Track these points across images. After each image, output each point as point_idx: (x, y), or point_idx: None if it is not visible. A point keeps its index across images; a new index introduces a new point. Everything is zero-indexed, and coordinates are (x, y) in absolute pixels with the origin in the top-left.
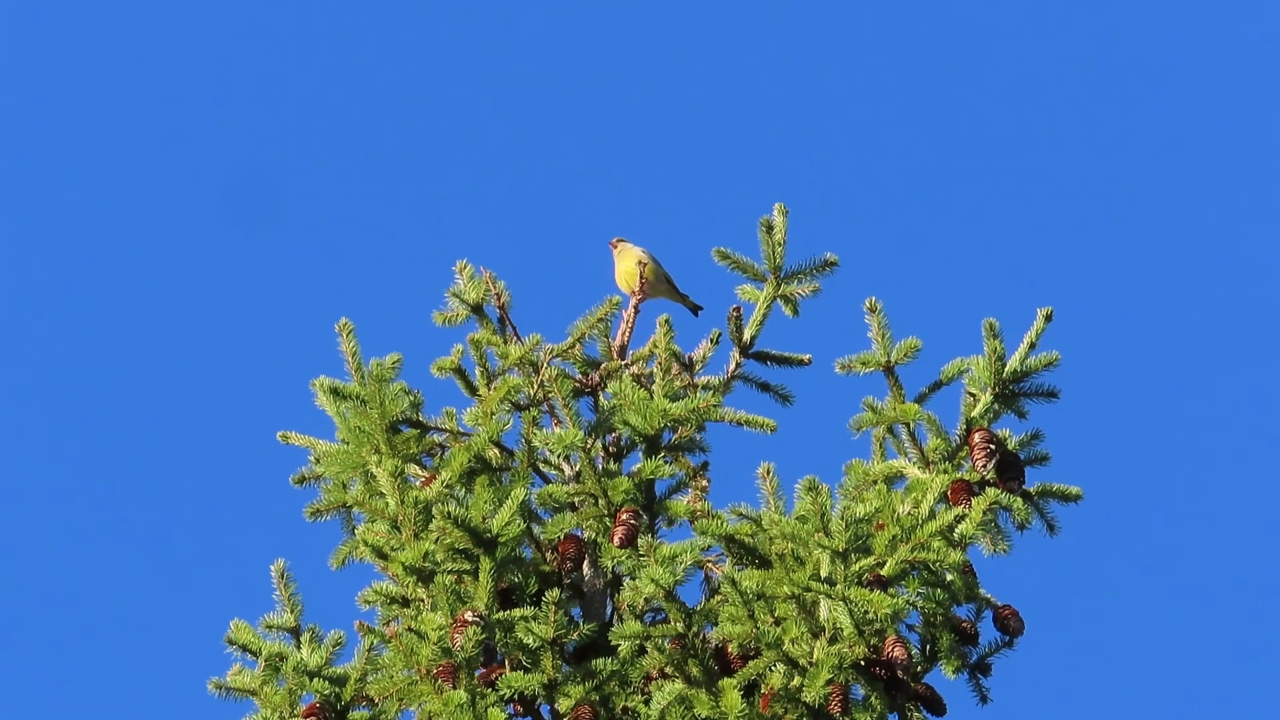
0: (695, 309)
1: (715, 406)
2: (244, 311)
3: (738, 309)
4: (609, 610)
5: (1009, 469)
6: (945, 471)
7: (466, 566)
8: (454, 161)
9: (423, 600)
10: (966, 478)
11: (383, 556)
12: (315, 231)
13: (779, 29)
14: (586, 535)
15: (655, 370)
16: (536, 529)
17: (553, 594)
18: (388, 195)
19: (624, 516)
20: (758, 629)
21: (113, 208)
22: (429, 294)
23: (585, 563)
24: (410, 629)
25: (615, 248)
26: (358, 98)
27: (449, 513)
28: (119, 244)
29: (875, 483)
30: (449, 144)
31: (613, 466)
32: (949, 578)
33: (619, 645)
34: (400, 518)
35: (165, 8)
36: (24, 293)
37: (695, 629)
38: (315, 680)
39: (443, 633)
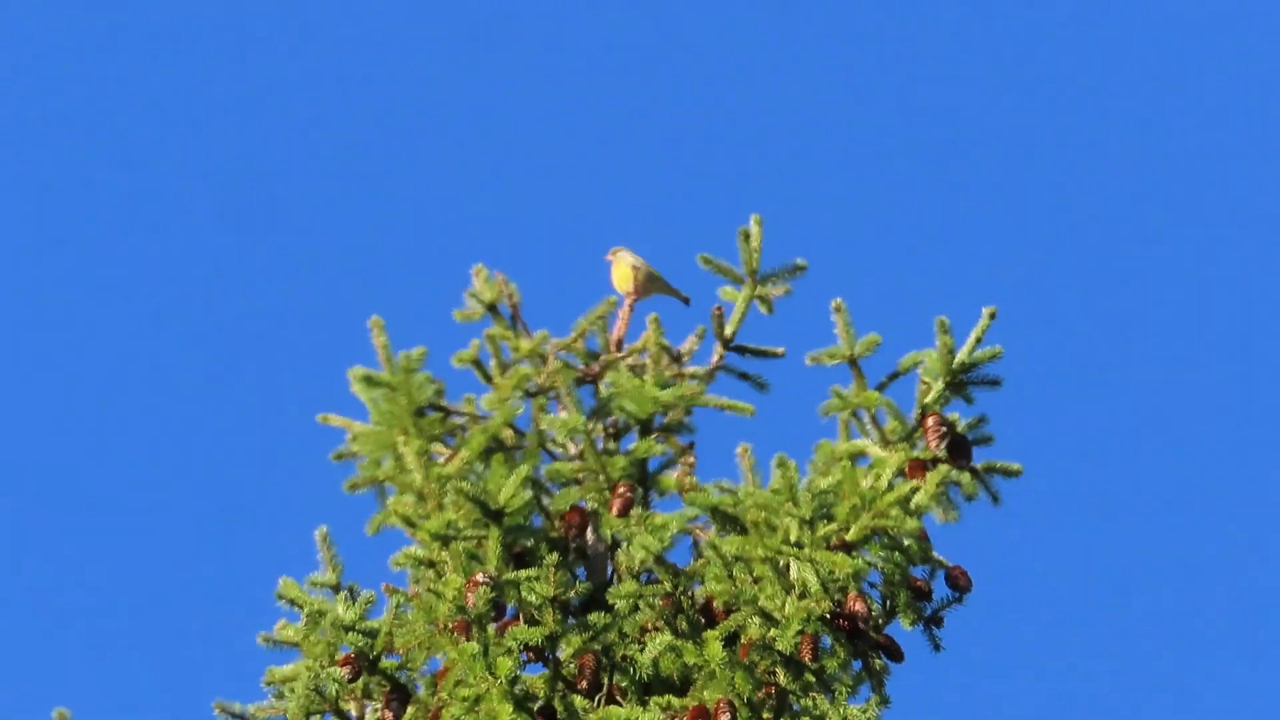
0: (685, 299)
1: (700, 393)
2: (278, 305)
3: (719, 308)
4: (609, 571)
5: (958, 448)
6: (902, 450)
7: (483, 533)
8: (459, 167)
9: (445, 563)
10: (921, 456)
11: (411, 524)
12: (325, 231)
13: (752, 39)
14: (589, 506)
15: (648, 362)
16: (546, 501)
17: (551, 558)
18: (390, 197)
19: (621, 490)
20: (737, 587)
21: (113, 207)
22: (435, 292)
23: (588, 530)
24: (430, 589)
25: (612, 256)
26: (360, 97)
27: (461, 489)
28: (120, 244)
29: (841, 460)
30: (454, 150)
31: (611, 446)
32: (906, 542)
33: (617, 602)
34: (426, 491)
35: (166, 8)
36: (23, 293)
37: (683, 587)
38: (350, 634)
39: (459, 592)
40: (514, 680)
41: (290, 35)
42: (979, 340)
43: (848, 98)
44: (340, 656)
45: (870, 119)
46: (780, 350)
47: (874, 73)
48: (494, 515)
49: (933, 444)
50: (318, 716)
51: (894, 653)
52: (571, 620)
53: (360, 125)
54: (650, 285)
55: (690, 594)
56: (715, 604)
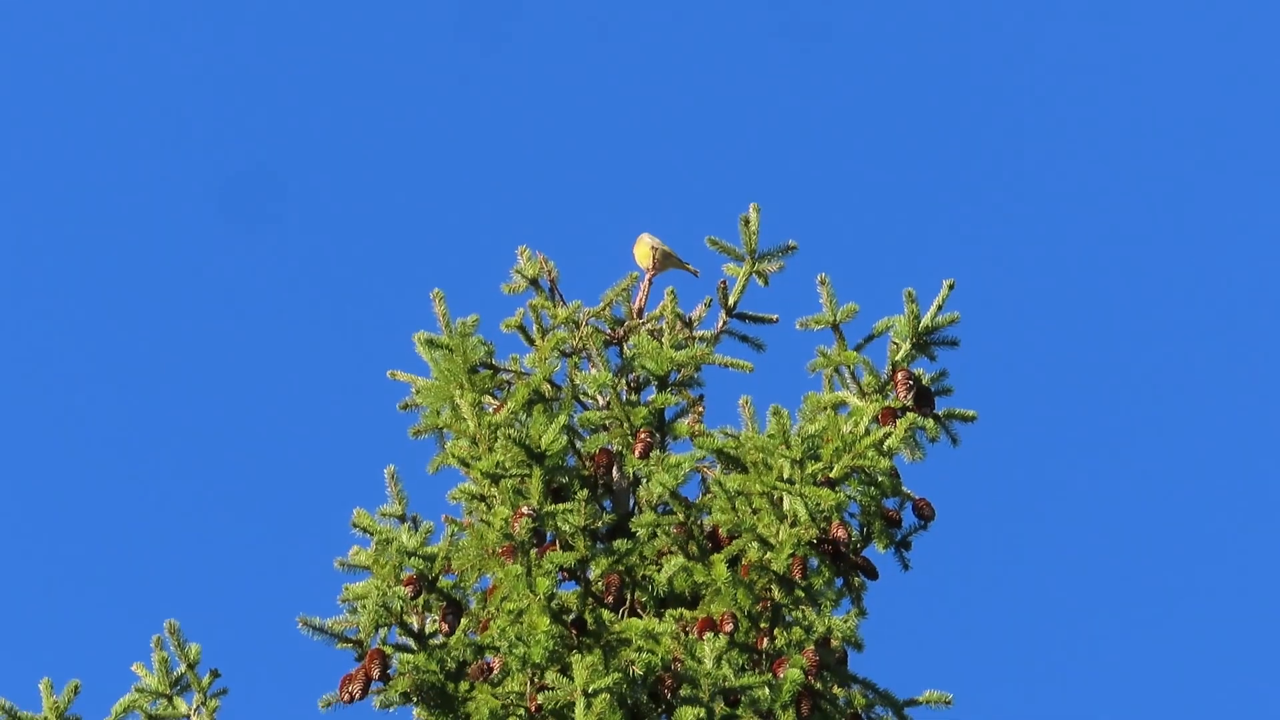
0: (695, 272)
1: (708, 354)
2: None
3: (724, 282)
4: (631, 503)
5: (923, 398)
6: (876, 401)
7: (526, 472)
8: (510, 164)
9: (495, 498)
10: (892, 405)
11: (465, 465)
12: (397, 219)
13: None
14: (615, 449)
15: (664, 327)
16: (578, 444)
17: (583, 493)
18: (451, 191)
19: (642, 435)
20: (739, 517)
21: (114, 208)
22: (486, 269)
23: (614, 469)
24: (481, 520)
25: (637, 242)
26: (366, 97)
27: (509, 435)
28: (121, 244)
29: (825, 409)
30: (506, 149)
31: (633, 398)
32: (880, 479)
33: (638, 530)
34: (478, 436)
35: (166, 8)
36: (24, 293)
37: (693, 518)
38: (413, 558)
39: (505, 522)
40: (551, 597)
41: (288, 32)
42: (940, 307)
43: (837, 96)
44: (405, 577)
45: (851, 115)
46: (774, 317)
47: (862, 68)
48: (536, 457)
49: (902, 395)
50: (385, 628)
51: (870, 572)
52: (600, 545)
53: (426, 128)
54: (666, 263)
55: (700, 523)
56: (720, 532)
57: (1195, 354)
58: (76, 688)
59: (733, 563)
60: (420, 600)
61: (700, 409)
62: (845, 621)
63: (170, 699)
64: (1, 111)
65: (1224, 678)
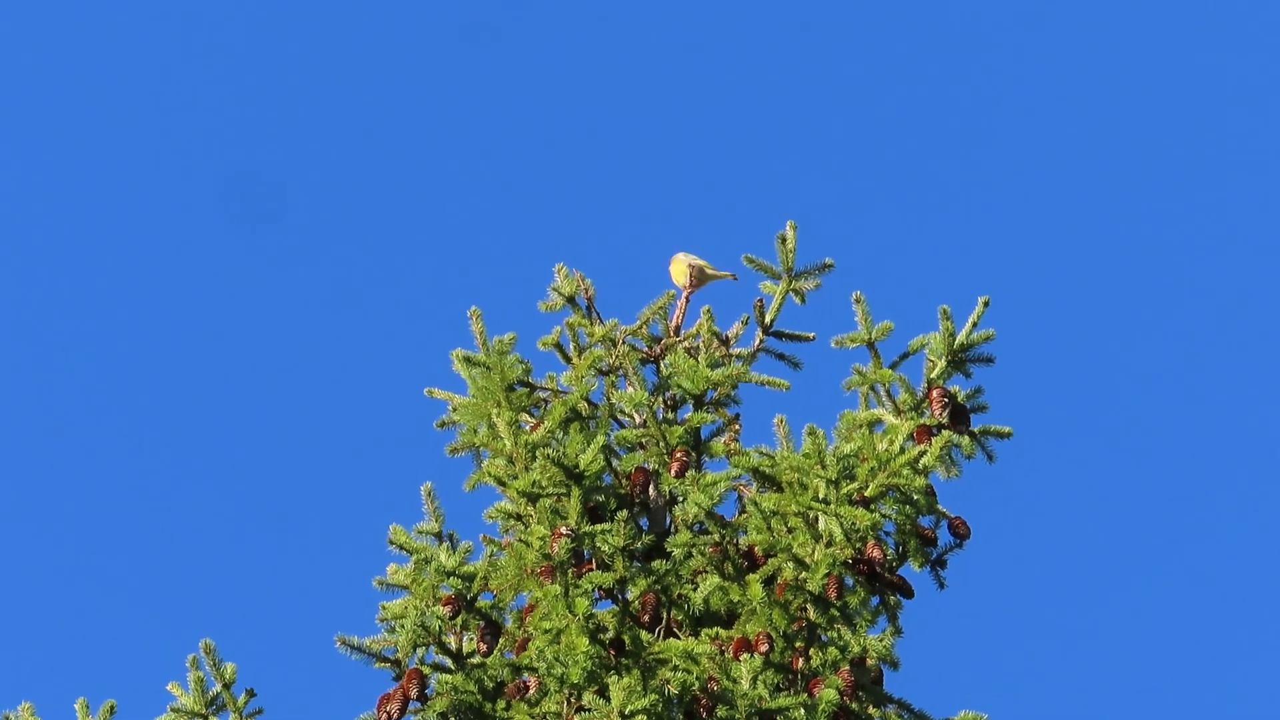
0: (733, 277)
1: (744, 372)
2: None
3: (760, 300)
4: (668, 522)
5: (958, 416)
6: (912, 418)
7: (564, 491)
8: (545, 184)
9: (531, 517)
10: (927, 422)
11: (502, 483)
12: (438, 238)
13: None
14: (651, 467)
15: (701, 345)
16: (615, 463)
17: (622, 514)
18: (490, 210)
19: (678, 454)
20: (774, 537)
21: (115, 208)
22: (523, 286)
23: (650, 487)
24: (520, 539)
25: (673, 261)
26: (402, 116)
27: (548, 454)
28: (123, 243)
29: (861, 427)
30: (544, 169)
31: (670, 416)
32: (915, 497)
33: (674, 550)
34: (515, 455)
35: (165, 8)
36: (26, 293)
37: (729, 537)
38: (451, 578)
39: (544, 542)
40: (589, 616)
41: (292, 33)
42: (975, 325)
43: (874, 114)
44: (443, 596)
45: (889, 133)
46: (811, 335)
47: (901, 87)
48: (574, 476)
49: (937, 412)
50: (423, 648)
51: (906, 591)
52: (637, 565)
53: (466, 148)
54: (703, 278)
55: (735, 542)
56: (756, 551)
57: (1233, 369)
58: (112, 708)
59: (768, 582)
60: (459, 620)
61: (736, 427)
62: (881, 641)
63: (206, 718)
64: (2, 112)
65: (1273, 694)
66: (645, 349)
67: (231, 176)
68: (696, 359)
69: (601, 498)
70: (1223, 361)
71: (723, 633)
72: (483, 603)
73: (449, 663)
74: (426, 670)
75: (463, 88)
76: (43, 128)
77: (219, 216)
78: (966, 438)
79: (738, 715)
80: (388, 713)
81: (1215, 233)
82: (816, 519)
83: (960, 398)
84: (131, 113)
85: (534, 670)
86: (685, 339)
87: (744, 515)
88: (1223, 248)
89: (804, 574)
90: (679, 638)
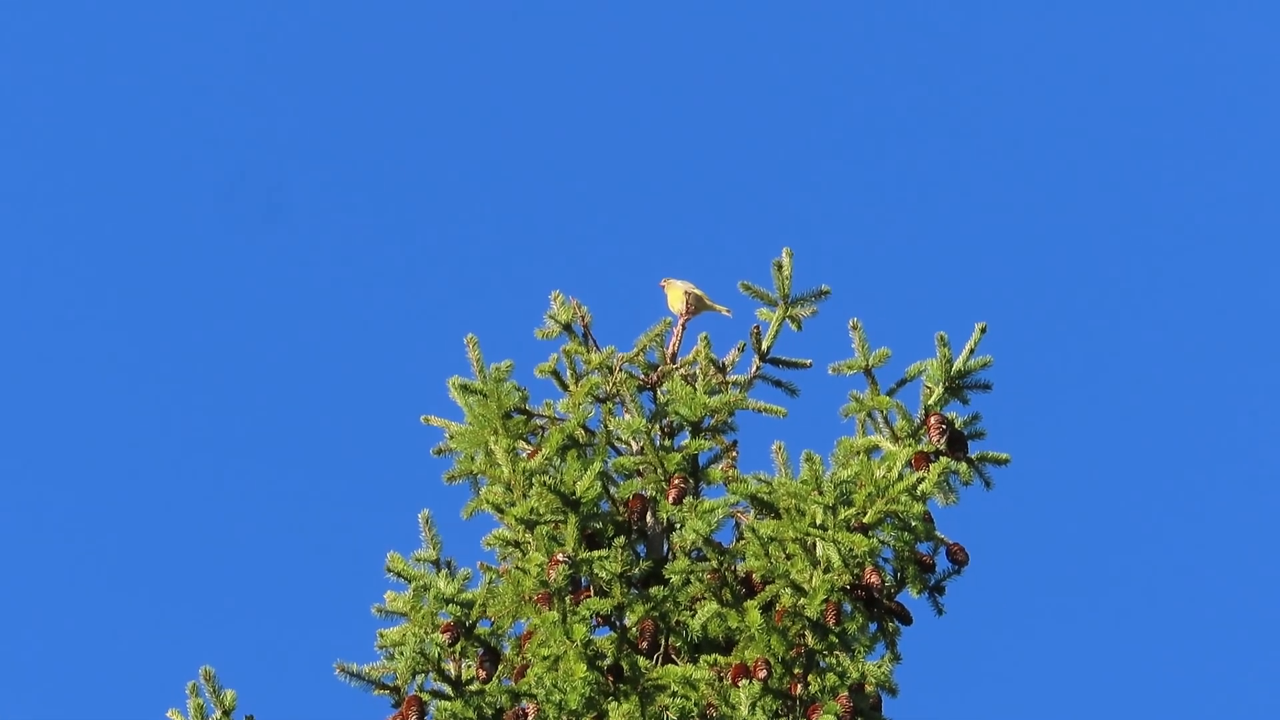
0: (728, 313)
1: (741, 399)
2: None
3: (757, 327)
4: (665, 549)
5: (956, 442)
6: (910, 445)
7: (561, 518)
8: (540, 212)
9: (529, 544)
10: (925, 449)
11: (500, 510)
12: (440, 267)
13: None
14: (649, 494)
15: (698, 372)
16: (613, 490)
17: (619, 541)
18: (491, 239)
19: (676, 481)
20: (772, 563)
21: (118, 208)
22: (519, 314)
23: (648, 514)
24: (518, 566)
25: (665, 285)
26: (404, 138)
27: (545, 482)
28: (126, 243)
29: (858, 454)
30: (540, 197)
31: (667, 443)
32: (913, 523)
33: (672, 577)
34: (512, 482)
35: (166, 8)
36: (26, 294)
37: (727, 563)
38: (450, 605)
39: (541, 568)
40: (587, 643)
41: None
42: (972, 351)
43: (869, 140)
44: (441, 623)
45: (882, 155)
46: (808, 362)
47: (894, 111)
48: (571, 504)
49: (935, 439)
50: (422, 675)
51: (904, 617)
52: (635, 592)
53: (464, 172)
54: (699, 306)
55: (733, 569)
56: (754, 577)
57: (1237, 394)
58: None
59: (766, 608)
60: (457, 647)
61: (734, 454)
62: (879, 667)
63: None
64: (2, 112)
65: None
66: (642, 376)
67: (227, 193)
68: (694, 386)
69: (599, 525)
70: (1226, 387)
71: (721, 659)
72: (481, 630)
73: (448, 689)
74: (425, 697)
75: (465, 113)
76: (43, 127)
77: (227, 253)
78: (964, 464)
79: None
80: None
81: (1215, 255)
82: (814, 545)
83: (958, 424)
84: (156, 116)
85: (533, 697)
86: (682, 366)
87: (742, 542)
88: (1227, 270)
89: (802, 600)
90: (677, 664)
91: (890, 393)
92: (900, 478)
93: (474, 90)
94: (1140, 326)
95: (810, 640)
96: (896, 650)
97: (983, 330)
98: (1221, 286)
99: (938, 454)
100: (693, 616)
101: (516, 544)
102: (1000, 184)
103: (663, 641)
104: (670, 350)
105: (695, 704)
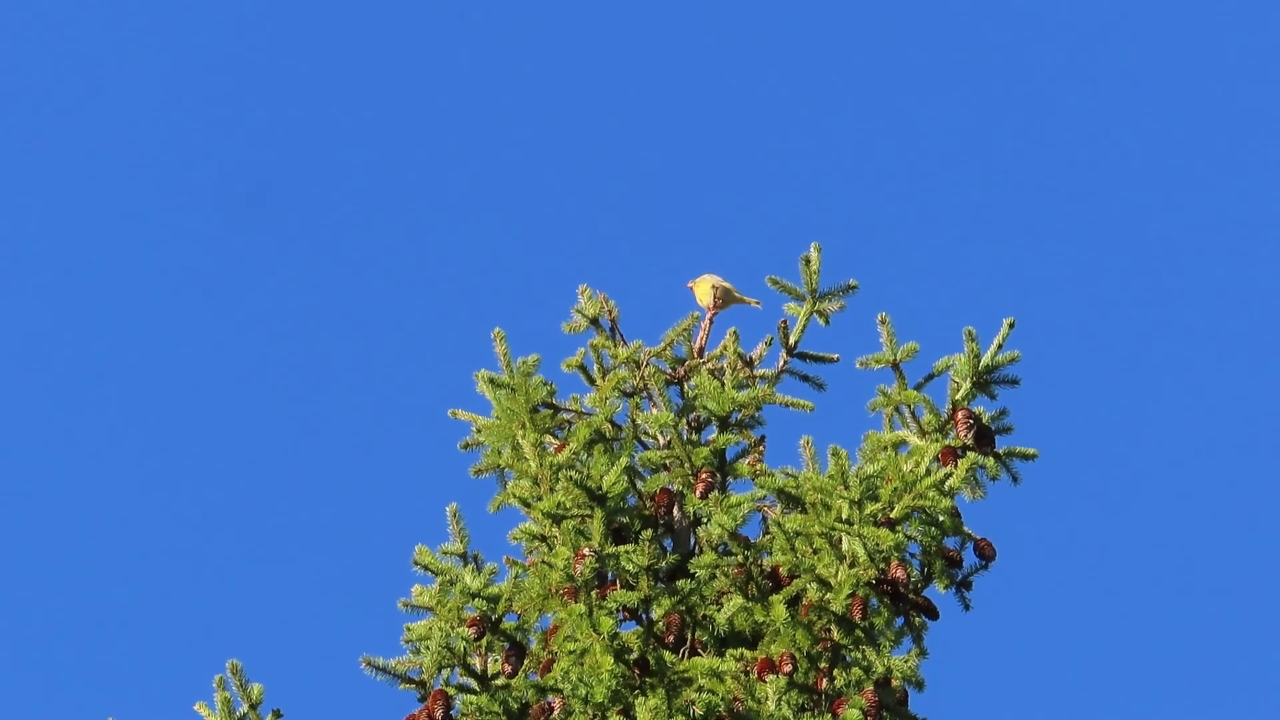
0: (757, 305)
1: (769, 393)
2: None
3: (784, 321)
4: (692, 543)
5: (984, 437)
6: (937, 440)
7: (588, 512)
8: (569, 209)
9: (556, 538)
10: (953, 444)
11: (526, 504)
12: (469, 262)
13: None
14: (676, 488)
15: (725, 366)
16: (639, 484)
17: (646, 534)
18: (517, 235)
19: (703, 475)
20: (798, 558)
21: (117, 208)
22: (547, 308)
23: (675, 508)
24: (545, 560)
25: (692, 285)
26: (422, 136)
27: (571, 476)
28: (126, 244)
29: (885, 448)
30: (568, 193)
31: (694, 438)
32: (940, 518)
33: (698, 571)
34: (539, 476)
35: (166, 8)
36: (27, 295)
37: (753, 558)
38: (477, 599)
39: (568, 563)
40: (614, 636)
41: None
42: (1000, 346)
43: (897, 136)
44: (468, 618)
45: (913, 154)
46: (835, 356)
47: (923, 108)
48: (598, 498)
49: (962, 434)
50: (448, 669)
51: (930, 612)
52: (661, 585)
53: (489, 169)
54: (728, 300)
55: (760, 563)
56: (780, 571)
57: (1267, 389)
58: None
59: (792, 603)
60: (484, 641)
61: (761, 449)
62: (905, 661)
63: None
64: (2, 112)
65: None
66: (670, 370)
67: (242, 197)
68: (721, 380)
69: (626, 519)
70: (1256, 382)
71: (747, 653)
72: (507, 624)
73: (474, 684)
74: (451, 691)
75: (489, 107)
76: (43, 128)
77: (245, 256)
78: (991, 459)
79: None
80: None
81: (1252, 251)
82: (840, 540)
83: (985, 419)
84: (164, 120)
85: (559, 691)
86: (710, 360)
87: (768, 536)
88: (1263, 266)
89: (828, 595)
90: (703, 657)
91: (918, 387)
92: (927, 473)
93: (508, 86)
94: (1170, 322)
95: (836, 635)
96: (923, 645)
97: (1011, 325)
98: (1257, 282)
99: (965, 449)
100: (719, 610)
101: (543, 538)
102: (1030, 179)
103: (689, 635)
104: (698, 344)
105: (722, 698)
